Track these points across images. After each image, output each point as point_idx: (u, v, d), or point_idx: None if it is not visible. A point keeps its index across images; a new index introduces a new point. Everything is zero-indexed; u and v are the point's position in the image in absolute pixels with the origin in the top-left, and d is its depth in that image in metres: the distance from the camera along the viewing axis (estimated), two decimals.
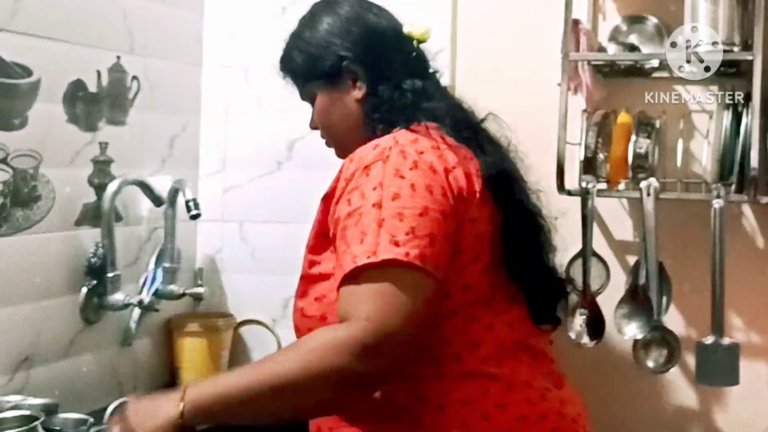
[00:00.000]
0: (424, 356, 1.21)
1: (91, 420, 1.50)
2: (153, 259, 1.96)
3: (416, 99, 1.36)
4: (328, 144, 1.47)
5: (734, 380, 1.78)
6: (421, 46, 1.45)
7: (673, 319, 1.87)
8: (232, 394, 1.15)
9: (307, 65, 1.42)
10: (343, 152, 1.41)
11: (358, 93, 1.39)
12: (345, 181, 1.23)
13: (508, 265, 1.27)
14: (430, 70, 1.45)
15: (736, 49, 1.74)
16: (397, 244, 1.13)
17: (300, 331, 1.29)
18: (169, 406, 1.16)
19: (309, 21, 1.43)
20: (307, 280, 1.30)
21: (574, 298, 1.85)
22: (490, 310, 1.26)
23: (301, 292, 1.31)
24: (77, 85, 1.76)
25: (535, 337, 1.32)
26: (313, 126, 1.47)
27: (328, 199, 1.26)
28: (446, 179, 1.21)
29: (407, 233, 1.14)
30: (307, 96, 1.45)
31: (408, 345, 1.13)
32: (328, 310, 1.22)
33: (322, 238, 1.27)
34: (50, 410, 1.53)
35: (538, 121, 1.85)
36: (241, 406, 1.15)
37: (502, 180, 1.29)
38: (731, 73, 1.83)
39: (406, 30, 1.44)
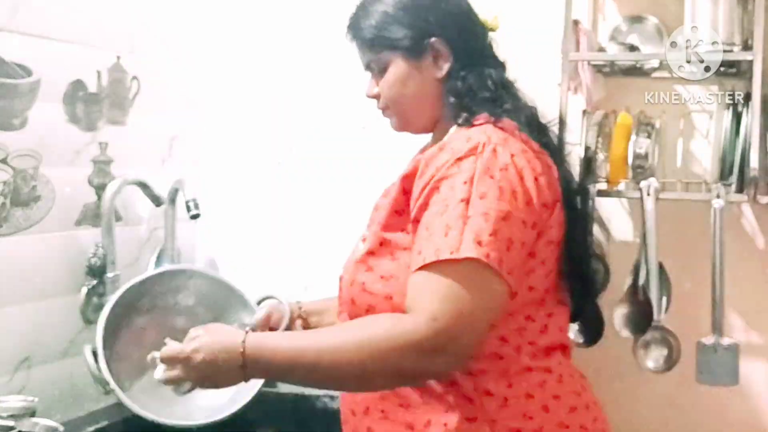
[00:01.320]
0: (485, 353, 1.24)
1: (62, 429, 1.47)
2: (153, 259, 1.96)
3: (498, 92, 1.34)
4: (388, 114, 1.42)
5: (734, 380, 1.78)
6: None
7: (673, 319, 1.87)
8: (289, 362, 1.19)
9: (390, 34, 1.36)
10: (405, 124, 1.40)
11: (439, 72, 1.35)
12: (436, 169, 1.22)
13: (572, 271, 1.31)
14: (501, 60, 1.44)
15: (736, 49, 1.74)
16: (480, 243, 1.14)
17: (356, 306, 1.29)
18: (235, 343, 1.19)
19: None
20: (375, 254, 1.29)
21: None
22: (544, 312, 1.29)
23: (364, 267, 1.29)
24: (77, 85, 1.76)
25: (567, 335, 1.38)
26: (372, 95, 1.41)
27: (408, 180, 1.27)
28: (534, 186, 1.22)
29: (491, 234, 1.15)
30: (378, 64, 1.38)
31: (472, 347, 1.17)
32: (395, 290, 1.23)
33: (398, 217, 1.28)
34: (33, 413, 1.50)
35: None
36: (295, 374, 1.21)
37: (577, 190, 1.33)
38: (731, 73, 1.82)
39: (482, 17, 1.42)
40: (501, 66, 1.41)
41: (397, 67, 1.36)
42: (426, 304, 1.14)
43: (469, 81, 1.34)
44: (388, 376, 1.18)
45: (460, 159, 1.21)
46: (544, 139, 1.34)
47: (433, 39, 1.35)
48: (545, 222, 1.25)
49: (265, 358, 1.19)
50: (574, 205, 1.33)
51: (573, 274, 1.32)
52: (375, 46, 1.38)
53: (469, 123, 1.30)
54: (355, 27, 1.40)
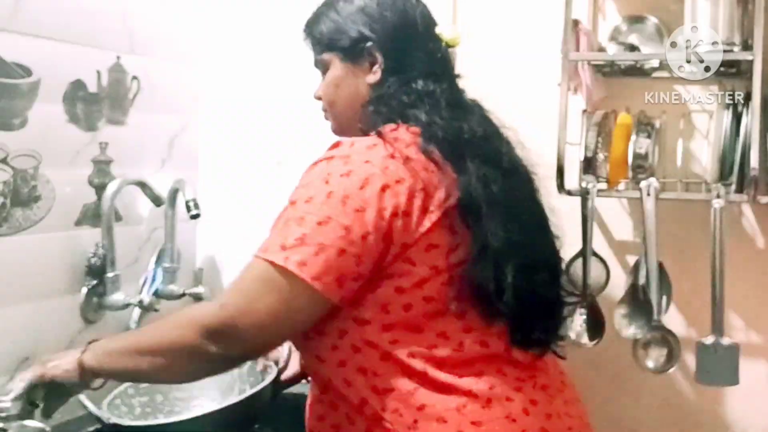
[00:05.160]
0: (394, 370, 1.21)
1: (48, 429, 1.46)
2: (153, 259, 1.96)
3: (416, 101, 1.33)
4: (327, 117, 1.46)
5: (734, 380, 1.78)
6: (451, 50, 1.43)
7: (673, 319, 1.87)
8: (118, 352, 1.29)
9: (330, 34, 1.40)
10: (338, 129, 1.44)
11: (372, 78, 1.37)
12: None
13: (472, 285, 1.22)
14: (453, 75, 1.43)
15: (736, 49, 1.74)
16: (284, 247, 1.18)
17: None
18: (73, 353, 1.33)
19: None
20: None
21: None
22: (459, 327, 1.23)
23: None
24: (77, 85, 1.76)
25: (523, 351, 1.28)
26: (317, 96, 1.45)
27: None
28: (378, 194, 1.18)
29: (297, 239, 1.17)
30: (321, 64, 1.43)
31: (258, 340, 1.20)
32: None
33: None
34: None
35: (538, 121, 1.85)
36: (123, 364, 1.29)
37: (471, 206, 1.23)
38: (731, 73, 1.82)
39: (437, 30, 1.43)
40: (445, 80, 1.38)
41: (336, 68, 1.40)
42: (227, 291, 1.22)
43: (391, 89, 1.35)
44: (183, 355, 1.22)
45: (315, 163, 1.25)
46: (450, 150, 1.25)
47: (369, 44, 1.37)
48: (406, 228, 1.19)
49: (103, 342, 1.33)
50: (473, 222, 1.22)
51: (479, 289, 1.22)
52: (318, 45, 1.42)
53: (370, 128, 1.30)
54: (307, 26, 1.45)
